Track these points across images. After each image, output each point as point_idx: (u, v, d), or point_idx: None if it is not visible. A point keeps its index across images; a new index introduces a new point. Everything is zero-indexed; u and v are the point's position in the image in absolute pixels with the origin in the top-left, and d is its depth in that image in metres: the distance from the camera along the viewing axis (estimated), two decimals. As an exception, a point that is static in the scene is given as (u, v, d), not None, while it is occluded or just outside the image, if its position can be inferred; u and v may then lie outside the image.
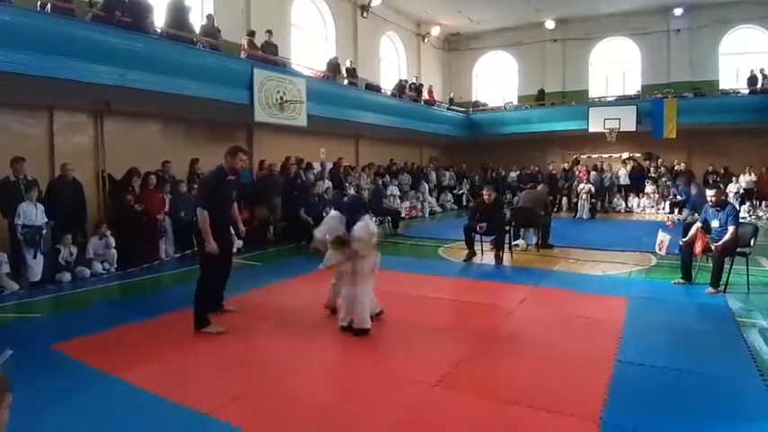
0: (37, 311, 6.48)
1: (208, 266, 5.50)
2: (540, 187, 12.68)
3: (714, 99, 18.57)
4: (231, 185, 5.74)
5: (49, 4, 8.41)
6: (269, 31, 12.81)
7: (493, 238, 9.29)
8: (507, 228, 9.68)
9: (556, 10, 20.67)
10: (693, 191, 11.69)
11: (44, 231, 7.61)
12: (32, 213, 7.53)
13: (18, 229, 7.44)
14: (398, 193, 16.38)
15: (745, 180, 17.03)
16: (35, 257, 7.51)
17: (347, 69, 16.16)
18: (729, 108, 17.53)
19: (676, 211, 14.44)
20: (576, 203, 16.88)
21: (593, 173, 17.67)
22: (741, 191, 16.76)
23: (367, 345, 4.95)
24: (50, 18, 8.15)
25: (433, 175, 20.07)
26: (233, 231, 6.16)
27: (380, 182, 15.67)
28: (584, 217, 16.15)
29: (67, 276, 7.94)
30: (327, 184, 13.43)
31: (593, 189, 16.54)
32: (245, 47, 12.23)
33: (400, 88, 18.52)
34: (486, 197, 9.42)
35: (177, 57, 9.65)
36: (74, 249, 8.24)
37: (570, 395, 3.79)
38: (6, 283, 7.31)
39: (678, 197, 15.47)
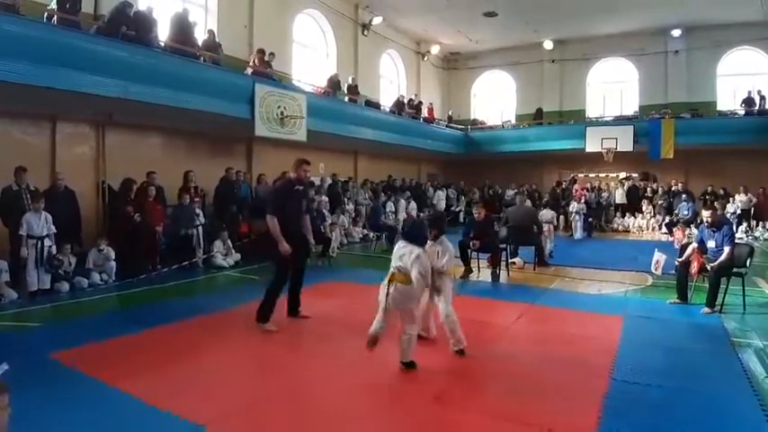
0: (35, 320, 6.48)
1: (281, 267, 5.97)
2: (527, 203, 12.50)
3: (711, 120, 18.74)
4: (299, 195, 6.16)
5: (55, 17, 8.53)
6: (261, 50, 12.82)
7: (489, 255, 9.35)
8: (503, 245, 9.72)
9: (554, 31, 20.97)
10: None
11: (47, 241, 7.67)
12: (36, 224, 7.56)
13: (22, 240, 7.48)
14: (393, 209, 16.35)
15: (741, 200, 17.10)
16: (36, 267, 7.53)
17: (349, 86, 16.31)
18: (727, 129, 17.72)
19: (687, 230, 14.40)
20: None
21: (586, 192, 17.63)
22: (738, 211, 16.82)
23: (363, 361, 4.96)
24: (56, 30, 8.26)
25: (431, 192, 20.10)
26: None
27: (381, 198, 15.85)
28: (579, 237, 15.77)
29: (66, 286, 7.95)
30: (324, 198, 13.48)
31: (585, 209, 16.16)
32: (255, 63, 12.37)
33: (398, 104, 18.69)
34: (476, 215, 9.49)
35: (179, 70, 9.77)
36: (72, 259, 8.27)
37: (565, 412, 3.81)
38: (5, 292, 7.33)
39: (684, 213, 15.52)
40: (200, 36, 11.54)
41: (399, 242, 4.99)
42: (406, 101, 19.47)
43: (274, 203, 5.97)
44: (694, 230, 13.63)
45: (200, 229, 10.23)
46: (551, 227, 11.86)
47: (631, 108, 21.49)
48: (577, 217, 15.91)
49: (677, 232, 11.69)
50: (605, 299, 7.85)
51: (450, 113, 23.20)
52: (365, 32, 18.71)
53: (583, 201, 16.33)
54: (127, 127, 10.76)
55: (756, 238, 15.48)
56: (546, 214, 11.98)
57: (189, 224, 10.00)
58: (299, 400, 4.07)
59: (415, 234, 4.95)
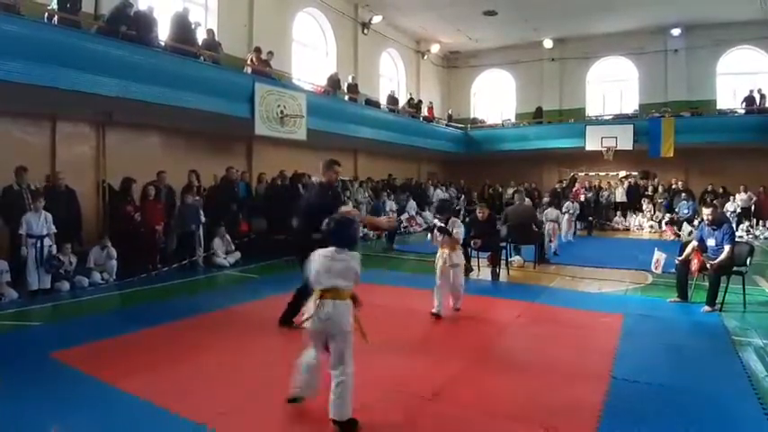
0: (35, 320, 6.50)
1: None
2: (526, 201, 12.31)
3: (711, 119, 18.71)
4: (331, 198, 5.77)
5: (56, 17, 8.53)
6: (257, 49, 12.79)
7: (489, 254, 9.35)
8: (503, 244, 9.72)
9: (554, 30, 20.95)
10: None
11: (47, 241, 7.69)
12: (36, 223, 7.57)
13: (23, 239, 7.50)
14: (396, 207, 16.42)
15: (741, 199, 17.09)
16: (37, 266, 7.55)
17: (349, 85, 16.31)
18: (727, 128, 17.69)
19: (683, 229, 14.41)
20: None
21: (584, 191, 17.58)
22: (738, 210, 16.80)
23: (362, 358, 4.95)
24: (56, 30, 8.26)
25: (431, 191, 20.12)
26: None
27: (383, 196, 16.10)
28: (567, 239, 14.06)
29: (66, 285, 7.96)
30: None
31: (578, 209, 15.34)
32: (253, 61, 12.36)
33: (392, 100, 18.73)
34: (479, 215, 9.48)
35: (179, 69, 9.75)
36: (73, 259, 8.27)
37: (566, 411, 3.81)
38: (6, 291, 7.33)
39: (684, 212, 15.51)
40: (200, 35, 11.52)
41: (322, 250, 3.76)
42: (403, 98, 19.45)
43: (310, 217, 5.26)
44: (688, 227, 13.72)
45: (201, 227, 10.25)
46: (555, 225, 11.83)
47: (631, 107, 21.45)
48: (567, 217, 14.41)
49: (668, 229, 11.64)
50: (605, 297, 7.85)
51: (449, 112, 23.19)
52: (365, 31, 18.70)
53: (578, 201, 16.04)
54: (127, 126, 10.75)
55: (756, 237, 15.47)
56: (550, 213, 11.96)
57: (194, 222, 10.01)
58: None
59: (343, 234, 3.78)
